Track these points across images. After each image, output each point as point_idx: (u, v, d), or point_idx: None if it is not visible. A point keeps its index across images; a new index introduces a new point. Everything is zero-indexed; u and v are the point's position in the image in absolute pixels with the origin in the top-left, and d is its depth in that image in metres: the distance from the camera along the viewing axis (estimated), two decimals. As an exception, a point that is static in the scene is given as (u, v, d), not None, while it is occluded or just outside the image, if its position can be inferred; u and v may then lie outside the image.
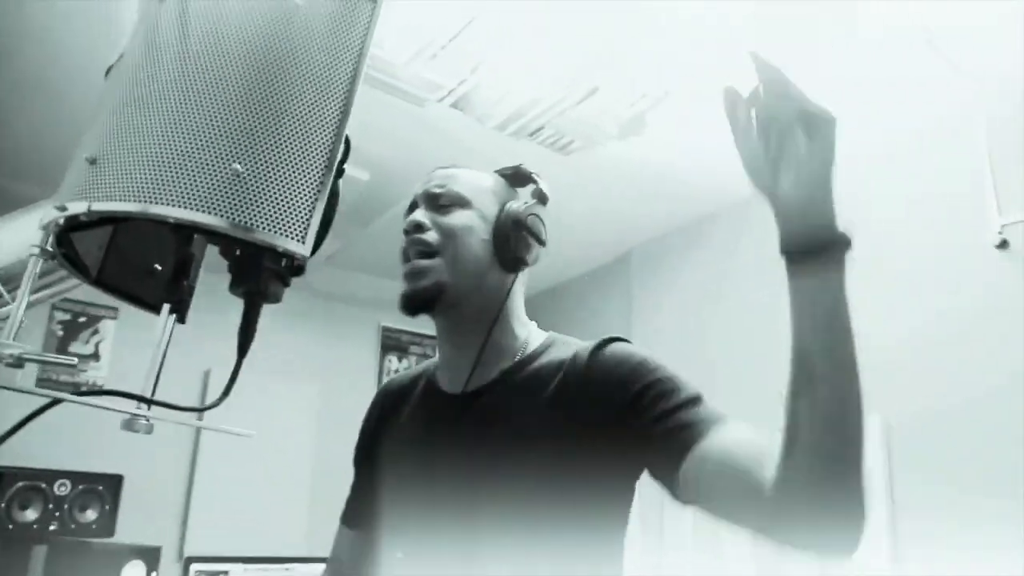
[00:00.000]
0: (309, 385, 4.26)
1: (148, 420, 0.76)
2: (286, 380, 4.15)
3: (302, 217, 0.72)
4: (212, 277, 0.93)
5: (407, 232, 1.08)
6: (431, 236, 1.06)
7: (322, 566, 2.79)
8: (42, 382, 3.32)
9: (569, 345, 1.09)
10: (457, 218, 1.07)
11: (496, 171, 1.17)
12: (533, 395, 1.03)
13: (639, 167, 3.11)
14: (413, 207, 1.12)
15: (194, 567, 2.53)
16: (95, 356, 3.66)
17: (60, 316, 3.61)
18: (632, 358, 1.01)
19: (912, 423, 2.58)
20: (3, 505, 2.67)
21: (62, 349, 3.52)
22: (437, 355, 1.20)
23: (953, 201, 2.61)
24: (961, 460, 2.41)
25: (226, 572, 2.57)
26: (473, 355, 1.08)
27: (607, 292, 4.26)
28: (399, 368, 4.57)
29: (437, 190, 1.09)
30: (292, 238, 0.71)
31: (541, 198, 1.13)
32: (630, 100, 2.61)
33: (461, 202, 1.08)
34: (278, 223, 0.70)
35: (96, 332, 3.69)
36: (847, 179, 0.85)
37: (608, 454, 0.98)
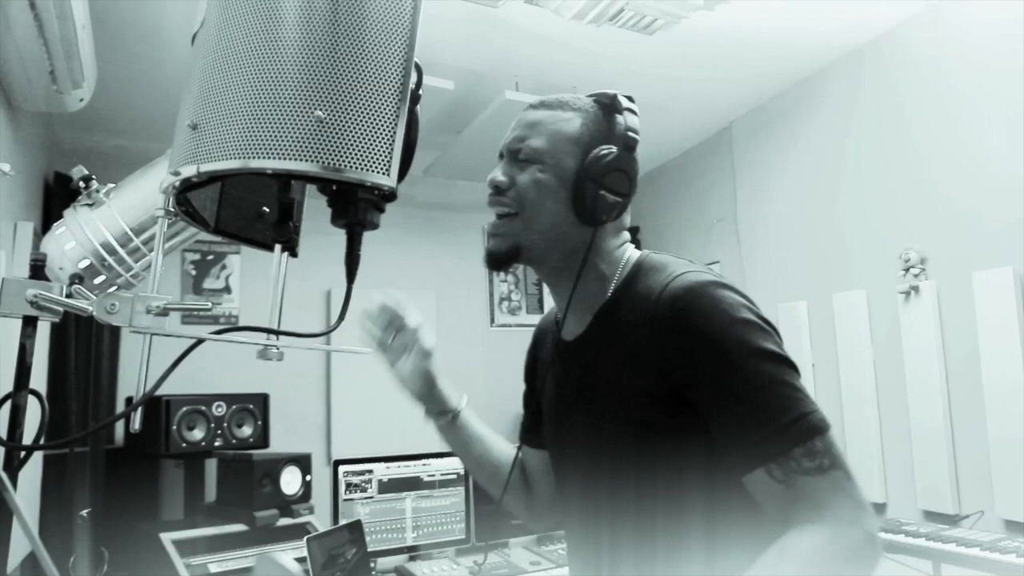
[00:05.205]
0: (424, 293, 4.44)
1: (278, 348, 0.86)
2: (402, 291, 4.32)
3: (384, 150, 0.77)
4: (323, 203, 0.99)
5: (489, 190, 1.09)
6: (508, 197, 1.06)
7: (454, 460, 2.92)
8: (185, 318, 3.63)
9: (654, 276, 1.04)
10: (533, 179, 1.05)
11: (593, 96, 1.10)
12: (619, 345, 1.03)
13: (731, 34, 2.96)
14: (501, 156, 1.12)
15: (342, 468, 2.76)
16: (226, 289, 3.95)
17: (190, 257, 3.89)
18: (711, 322, 0.94)
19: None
20: (175, 427, 3.00)
21: (196, 286, 3.81)
22: None
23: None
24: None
25: (370, 471, 2.79)
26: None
27: (709, 171, 4.15)
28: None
29: (517, 145, 1.08)
30: (378, 171, 0.77)
31: (628, 144, 1.05)
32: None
33: (539, 159, 1.05)
34: (363, 160, 0.75)
35: (224, 267, 3.97)
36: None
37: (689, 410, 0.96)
